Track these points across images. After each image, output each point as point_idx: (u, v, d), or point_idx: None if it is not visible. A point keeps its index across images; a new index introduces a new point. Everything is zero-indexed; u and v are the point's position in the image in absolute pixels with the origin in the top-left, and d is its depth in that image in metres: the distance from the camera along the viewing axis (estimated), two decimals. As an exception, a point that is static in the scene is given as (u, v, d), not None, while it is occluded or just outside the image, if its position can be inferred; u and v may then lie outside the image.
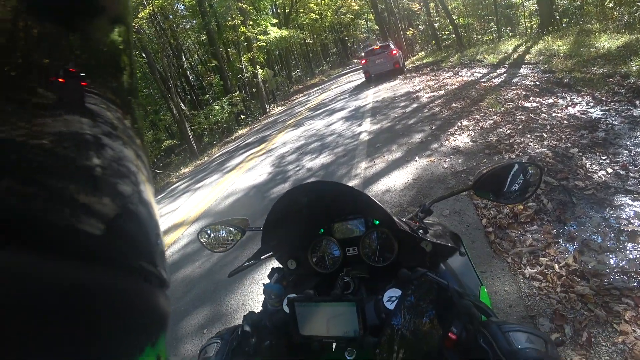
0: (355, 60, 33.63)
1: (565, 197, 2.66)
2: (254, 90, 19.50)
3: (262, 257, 1.00)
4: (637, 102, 3.88)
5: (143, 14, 12.48)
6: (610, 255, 2.03)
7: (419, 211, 0.99)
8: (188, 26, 22.64)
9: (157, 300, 0.26)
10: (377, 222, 0.95)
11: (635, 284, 1.79)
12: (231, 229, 1.13)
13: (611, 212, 2.37)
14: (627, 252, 2.03)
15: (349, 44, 48.19)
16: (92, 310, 0.19)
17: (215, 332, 0.91)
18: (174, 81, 16.97)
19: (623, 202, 2.43)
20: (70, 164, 0.20)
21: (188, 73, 22.74)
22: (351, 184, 4.02)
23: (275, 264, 1.06)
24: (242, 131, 14.70)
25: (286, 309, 0.83)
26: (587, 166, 2.97)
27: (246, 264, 1.01)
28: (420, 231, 0.86)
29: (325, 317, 0.74)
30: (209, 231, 1.16)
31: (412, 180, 3.65)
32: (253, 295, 2.70)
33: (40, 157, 0.18)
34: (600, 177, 2.78)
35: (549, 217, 2.51)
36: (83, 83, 0.22)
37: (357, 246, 0.95)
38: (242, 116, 17.48)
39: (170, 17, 18.09)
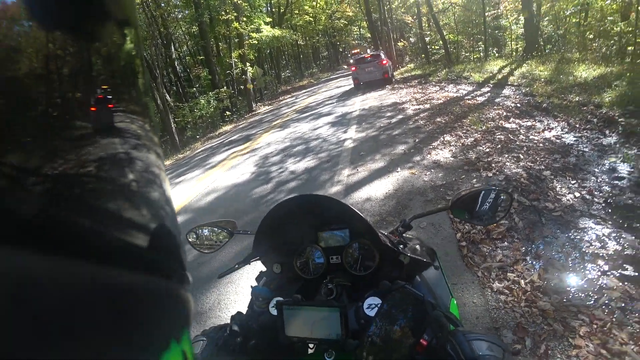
0: (345, 66, 33.92)
1: (535, 217, 2.81)
2: (241, 87, 19.32)
3: (251, 261, 1.06)
4: (607, 132, 4.13)
5: None
6: (571, 275, 2.17)
7: (400, 226, 1.07)
8: (180, 16, 22.27)
9: (181, 296, 0.28)
10: (361, 233, 1.01)
11: (591, 302, 1.93)
12: (220, 230, 1.17)
13: (575, 234, 2.53)
14: (587, 272, 2.17)
15: (341, 49, 48.55)
16: (124, 308, 0.21)
17: (199, 331, 0.95)
18: (161, 71, 16.69)
19: (587, 225, 2.60)
20: (112, 184, 0.23)
21: (176, 64, 22.33)
22: (333, 190, 4.10)
23: (261, 267, 1.11)
24: (227, 127, 14.59)
25: (273, 311, 0.89)
26: (558, 189, 3.14)
27: (236, 266, 1.06)
28: (401, 245, 0.95)
29: (311, 320, 0.79)
30: (199, 231, 1.19)
31: (392, 191, 3.75)
32: (229, 295, 2.72)
33: (90, 183, 0.21)
34: (568, 200, 2.95)
35: (519, 235, 2.65)
36: (110, 105, 0.24)
37: (340, 255, 1.01)
38: (228, 112, 17.31)
39: (163, 5, 17.79)
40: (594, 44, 11.49)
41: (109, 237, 0.22)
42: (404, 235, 1.06)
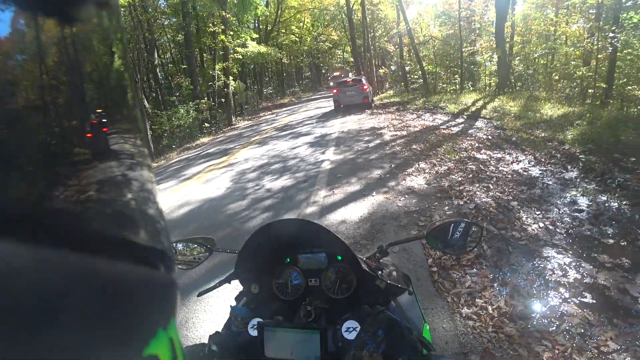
0: (326, 88, 34.51)
1: (502, 245, 2.92)
2: (222, 100, 19.25)
3: (231, 281, 1.06)
4: (569, 167, 4.40)
5: (122, 1, 12.17)
6: (536, 301, 2.26)
7: (377, 252, 1.11)
8: (166, 23, 22.20)
9: (168, 285, 0.29)
10: (340, 257, 1.04)
11: (554, 328, 2.01)
12: (198, 247, 1.16)
13: (539, 263, 2.64)
14: (549, 299, 2.26)
15: (323, 71, 49.53)
16: (112, 296, 0.22)
17: None
18: (142, 76, 16.42)
19: (550, 254, 2.72)
20: (112, 206, 0.24)
21: (157, 70, 22.09)
22: (309, 210, 4.11)
23: (237, 286, 1.11)
24: (205, 139, 14.44)
25: (251, 331, 0.89)
26: (524, 219, 3.29)
27: (217, 284, 1.06)
28: (379, 271, 0.98)
29: (291, 342, 0.81)
30: (177, 246, 1.17)
31: (367, 214, 3.81)
32: (198, 313, 2.64)
33: (91, 207, 0.22)
34: (533, 229, 3.09)
35: (487, 262, 2.74)
36: (105, 129, 0.25)
37: (319, 277, 1.03)
38: (207, 124, 17.14)
39: (150, 10, 17.74)
40: (559, 85, 12.31)
41: (98, 229, 0.23)
42: (380, 261, 1.10)
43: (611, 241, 2.78)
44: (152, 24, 18.61)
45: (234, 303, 1.04)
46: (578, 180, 4.03)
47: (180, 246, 1.18)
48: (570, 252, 2.73)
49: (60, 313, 0.18)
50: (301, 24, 33.71)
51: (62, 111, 0.22)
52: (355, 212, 3.93)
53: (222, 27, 16.87)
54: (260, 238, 0.99)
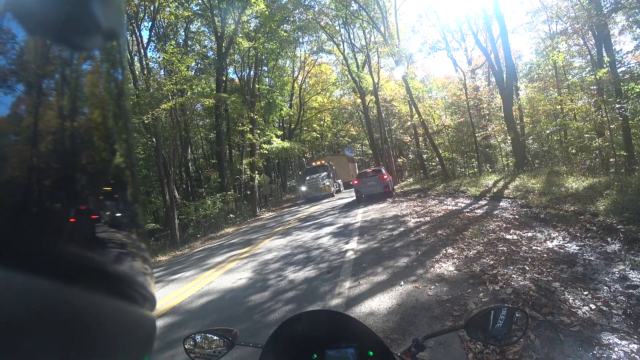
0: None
1: (552, 334, 2.57)
2: (248, 192, 20.28)
3: None
4: (609, 239, 4.08)
5: (165, 106, 13.66)
6: (606, 403, 1.88)
7: (412, 346, 1.01)
8: (200, 123, 24.68)
9: (142, 320, 0.27)
10: (372, 353, 0.95)
11: None
12: (219, 339, 1.09)
13: (601, 352, 2.28)
14: (622, 399, 1.89)
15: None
16: (77, 331, 0.20)
17: None
18: (174, 169, 17.61)
19: (611, 341, 2.36)
20: (88, 235, 0.24)
21: (189, 164, 23.85)
22: (334, 302, 3.87)
23: None
24: (229, 230, 14.60)
25: None
26: (570, 301, 2.95)
27: None
28: None
29: None
30: (198, 338, 1.10)
31: (396, 306, 3.54)
32: None
33: (77, 301, 0.21)
34: (584, 313, 2.74)
35: (537, 355, 2.38)
36: (93, 217, 0.26)
37: None
38: (232, 215, 17.64)
39: (188, 112, 19.76)
40: (577, 158, 12.26)
41: (68, 254, 0.22)
42: (416, 356, 1.00)
43: (680, 320, 2.41)
44: (188, 124, 20.69)
45: None
46: (622, 252, 3.69)
47: (198, 338, 1.11)
48: (635, 336, 2.36)
49: (20, 344, 0.16)
50: (322, 122, 36.63)
51: (46, 193, 0.22)
52: (383, 303, 3.66)
53: (250, 126, 18.60)
54: (287, 331, 0.92)
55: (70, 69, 0.24)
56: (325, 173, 21.36)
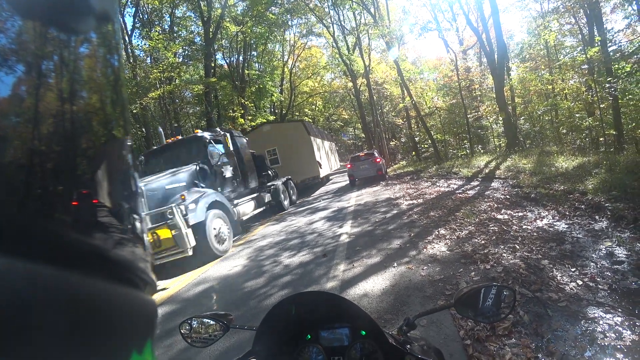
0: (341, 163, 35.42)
1: (540, 309, 2.65)
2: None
3: (250, 359, 0.99)
4: (597, 217, 4.17)
5: (153, 94, 13.41)
6: (590, 373, 1.96)
7: (404, 325, 1.02)
8: (191, 111, 24.35)
9: (144, 305, 0.27)
10: (364, 332, 0.97)
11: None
12: (215, 323, 1.10)
13: (587, 325, 2.36)
14: (606, 369, 1.96)
15: (337, 148, 51.66)
16: (81, 316, 0.20)
17: None
18: None
19: (597, 314, 2.44)
20: (91, 219, 0.24)
21: None
22: (329, 285, 3.93)
23: None
24: None
25: None
26: (558, 278, 3.03)
27: None
28: (407, 346, 0.90)
29: None
30: (194, 323, 1.11)
31: (390, 287, 3.60)
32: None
33: (80, 286, 0.21)
34: (571, 288, 2.82)
35: (526, 330, 2.46)
36: (94, 200, 0.26)
37: (342, 356, 0.95)
38: None
39: (177, 101, 19.49)
40: (568, 137, 12.37)
41: (75, 242, 0.22)
42: (408, 334, 1.01)
43: (662, 293, 2.49)
44: (178, 113, 20.40)
45: None
46: (609, 229, 3.78)
47: (195, 323, 1.13)
48: (620, 309, 2.44)
49: (23, 328, 0.17)
50: (314, 107, 36.36)
51: (48, 175, 0.22)
52: (377, 284, 3.72)
53: (242, 111, 18.38)
54: (279, 312, 0.94)
55: (69, 51, 0.24)
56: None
